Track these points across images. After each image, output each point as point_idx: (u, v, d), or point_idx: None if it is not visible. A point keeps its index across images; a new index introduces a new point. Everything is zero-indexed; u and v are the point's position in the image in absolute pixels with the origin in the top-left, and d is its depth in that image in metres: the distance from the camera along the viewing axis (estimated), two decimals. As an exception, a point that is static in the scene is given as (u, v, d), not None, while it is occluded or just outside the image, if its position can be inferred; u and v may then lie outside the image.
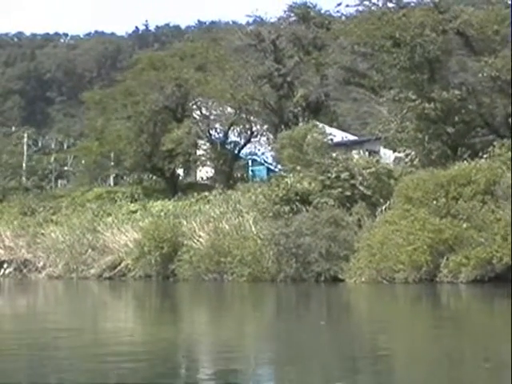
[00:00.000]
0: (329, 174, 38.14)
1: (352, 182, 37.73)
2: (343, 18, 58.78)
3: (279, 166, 60.94)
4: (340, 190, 37.52)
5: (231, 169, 59.19)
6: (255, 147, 60.62)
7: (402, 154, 46.63)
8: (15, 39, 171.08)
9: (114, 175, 73.49)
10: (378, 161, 39.37)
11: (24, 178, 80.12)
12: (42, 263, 46.13)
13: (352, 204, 37.24)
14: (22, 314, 27.00)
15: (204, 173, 64.24)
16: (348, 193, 37.34)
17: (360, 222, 36.19)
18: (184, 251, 38.82)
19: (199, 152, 61.27)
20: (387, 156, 51.72)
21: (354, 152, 51.11)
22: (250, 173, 63.04)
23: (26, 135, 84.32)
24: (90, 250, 43.26)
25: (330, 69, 53.85)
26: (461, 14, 49.65)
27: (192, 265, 37.76)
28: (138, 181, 66.35)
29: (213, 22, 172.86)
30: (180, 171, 64.89)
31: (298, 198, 38.23)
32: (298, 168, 43.30)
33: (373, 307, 27.36)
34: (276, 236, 34.82)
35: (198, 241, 39.48)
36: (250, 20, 57.21)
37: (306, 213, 36.08)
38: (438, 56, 48.56)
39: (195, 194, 49.95)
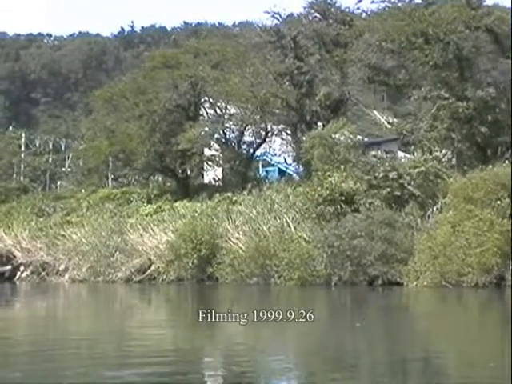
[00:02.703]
0: (375, 174, 36.55)
1: (400, 181, 36.17)
2: (364, 14, 57.44)
3: (291, 168, 59.59)
4: (388, 189, 35.96)
5: (246, 169, 57.36)
6: (270, 147, 58.84)
7: (438, 154, 45.16)
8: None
9: (112, 176, 71.65)
10: (425, 160, 37.66)
11: (22, 179, 77.96)
12: (63, 266, 44.08)
13: (401, 204, 35.68)
14: (65, 319, 26.10)
15: (212, 174, 62.48)
16: (397, 193, 35.80)
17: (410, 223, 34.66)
18: (224, 253, 37.02)
19: (210, 152, 59.46)
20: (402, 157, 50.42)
21: (371, 153, 49.60)
22: (264, 173, 61.45)
23: (23, 135, 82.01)
24: (117, 253, 41.26)
25: (353, 67, 52.27)
26: (493, 11, 48.53)
27: (234, 268, 35.95)
28: (144, 182, 64.58)
29: (199, 24, 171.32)
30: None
31: (342, 198, 36.63)
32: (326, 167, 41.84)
33: (448, 314, 25.64)
34: (329, 238, 33.12)
35: (235, 243, 37.78)
36: (268, 17, 54.90)
37: (357, 214, 34.45)
38: (469, 54, 47.34)
39: (216, 195, 48.18)
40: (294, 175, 56.78)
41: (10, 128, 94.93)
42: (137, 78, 61.30)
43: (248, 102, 52.27)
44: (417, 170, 36.44)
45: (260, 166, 63.13)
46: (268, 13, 55.33)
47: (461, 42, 46.59)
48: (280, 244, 35.46)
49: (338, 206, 36.28)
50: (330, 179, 37.55)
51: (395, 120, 63.73)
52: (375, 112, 72.37)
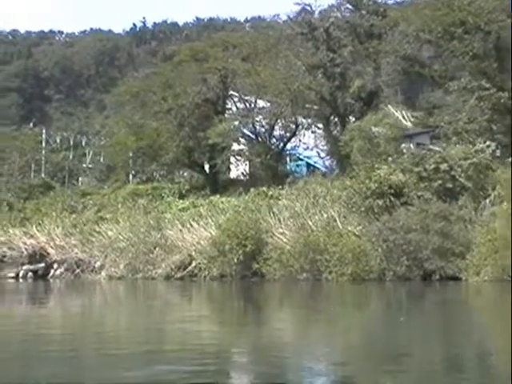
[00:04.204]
0: (426, 166, 35.57)
1: (452, 173, 35.19)
2: (395, 5, 56.52)
3: (320, 162, 58.58)
4: (440, 182, 34.97)
5: (277, 164, 56.36)
6: (300, 141, 57.81)
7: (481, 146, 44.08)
8: (9, 37, 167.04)
9: (133, 172, 70.66)
10: (476, 151, 36.65)
11: (43, 176, 77.04)
12: (99, 263, 43.13)
13: (452, 197, 34.71)
14: (106, 316, 25.59)
15: (238, 169, 61.55)
16: (449, 185, 34.81)
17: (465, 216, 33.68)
18: (270, 249, 36.03)
19: (238, 147, 58.54)
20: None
21: (402, 146, 48.56)
22: (295, 168, 60.50)
23: (44, 132, 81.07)
24: (156, 249, 40.32)
25: (387, 58, 51.28)
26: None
27: (282, 263, 34.96)
28: (170, 177, 63.70)
29: (211, 19, 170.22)
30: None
31: (391, 191, 35.65)
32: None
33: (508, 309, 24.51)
34: (383, 232, 32.13)
35: (279, 238, 36.83)
36: (298, 8, 53.95)
37: (410, 207, 33.46)
38: (509, 43, 46.37)
39: (251, 189, 47.12)
40: (323, 169, 55.82)
41: (31, 125, 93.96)
42: (164, 71, 60.31)
43: (281, 94, 51.25)
44: (468, 161, 35.43)
45: (288, 160, 62.06)
46: (299, 4, 54.42)
47: (502, 31, 45.61)
48: (329, 239, 34.43)
49: (387, 199, 35.25)
50: (378, 172, 36.52)
51: (415, 113, 62.69)
52: (389, 106, 71.12)
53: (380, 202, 35.23)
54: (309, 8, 54.55)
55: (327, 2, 61.47)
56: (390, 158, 38.16)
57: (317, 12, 54.79)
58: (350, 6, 54.85)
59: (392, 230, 32.10)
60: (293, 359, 14.74)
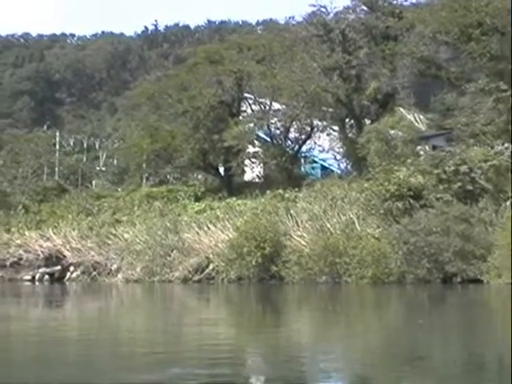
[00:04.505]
0: (445, 168, 35.35)
1: (472, 175, 34.95)
2: (411, 6, 56.21)
3: (335, 164, 58.32)
4: (459, 184, 34.74)
5: (292, 166, 56.15)
6: (315, 143, 57.58)
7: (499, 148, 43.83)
8: (21, 40, 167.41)
9: (146, 175, 70.57)
10: (496, 153, 36.41)
11: (57, 178, 77.04)
12: (115, 266, 42.99)
13: (473, 199, 34.46)
14: (124, 319, 25.58)
15: (251, 171, 61.39)
16: (469, 187, 34.56)
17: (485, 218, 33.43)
18: (289, 252, 35.84)
19: (253, 149, 58.40)
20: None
21: (418, 148, 48.31)
22: (310, 170, 60.36)
23: (57, 134, 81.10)
24: (174, 252, 40.17)
25: (403, 60, 51.05)
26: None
27: (301, 266, 34.77)
28: (184, 180, 63.63)
29: (222, 22, 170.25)
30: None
31: (410, 193, 35.42)
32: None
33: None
34: (404, 234, 31.92)
35: (297, 241, 36.64)
36: (311, 10, 53.77)
37: (430, 209, 33.24)
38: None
39: (267, 192, 46.89)
40: (338, 172, 55.59)
41: (45, 127, 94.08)
42: (179, 74, 60.25)
43: (297, 96, 51.08)
44: (488, 163, 35.18)
45: (303, 162, 61.85)
46: (314, 6, 54.21)
47: (520, 32, 45.43)
48: (348, 241, 34.24)
49: (407, 202, 35.03)
50: (397, 174, 36.32)
51: (428, 116, 62.44)
52: (401, 109, 70.90)
53: (399, 205, 35.03)
54: (324, 10, 54.29)
55: (342, 3, 61.01)
56: (408, 160, 37.92)
57: (332, 14, 54.55)
58: (365, 8, 54.60)
59: (413, 233, 31.89)
60: (310, 362, 14.64)
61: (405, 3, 55.26)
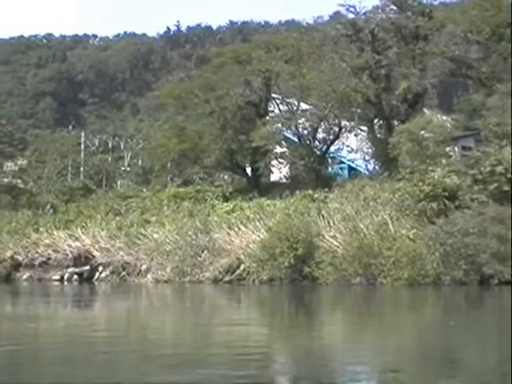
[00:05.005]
0: (481, 168, 34.91)
1: (508, 176, 34.48)
2: (441, 6, 55.81)
3: (362, 164, 57.95)
4: (496, 185, 34.28)
5: (321, 167, 55.83)
6: (343, 144, 57.27)
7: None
8: (44, 41, 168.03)
9: (170, 176, 70.50)
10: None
11: (82, 178, 77.18)
12: (145, 266, 42.76)
13: (509, 200, 33.96)
14: (154, 319, 25.25)
15: (278, 172, 61.17)
16: (506, 188, 34.10)
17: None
18: (323, 252, 35.51)
19: (281, 149, 58.20)
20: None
21: (447, 149, 47.85)
22: (338, 171, 60.08)
23: (83, 134, 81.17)
24: (204, 252, 39.91)
25: (434, 60, 50.59)
26: None
27: (336, 267, 34.42)
28: (210, 180, 63.54)
29: (244, 22, 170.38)
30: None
31: (445, 194, 35.00)
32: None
33: None
34: (440, 235, 31.51)
35: (330, 241, 36.29)
36: (343, 10, 53.51)
37: (467, 210, 32.82)
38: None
39: (296, 192, 46.60)
40: (366, 172, 55.26)
41: (70, 127, 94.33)
42: (205, 74, 60.09)
43: (327, 96, 50.77)
44: (524, 164, 34.72)
45: (331, 163, 61.55)
46: (343, 5, 53.93)
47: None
48: (383, 242, 33.87)
49: (441, 203, 34.63)
50: (431, 174, 35.92)
51: (453, 117, 62.04)
52: (425, 109, 70.56)
53: (434, 205, 34.61)
54: (353, 9, 53.97)
55: (371, 3, 60.62)
56: (443, 161, 37.52)
57: (361, 13, 54.21)
58: (394, 7, 54.16)
59: (449, 234, 31.46)
60: (341, 363, 14.54)
61: (434, 2, 54.89)
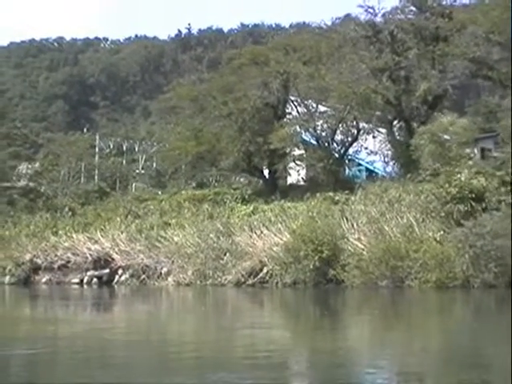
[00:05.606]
0: (508, 170, 34.50)
1: (537, 177, 34.09)
2: (461, 7, 55.37)
3: (380, 167, 57.55)
4: (524, 186, 33.89)
5: (339, 169, 55.45)
6: (361, 146, 56.84)
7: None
8: (56, 44, 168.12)
9: (185, 178, 70.25)
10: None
11: (96, 181, 77.00)
12: (165, 269, 42.39)
13: (536, 202, 33.55)
14: (176, 322, 25.14)
15: (295, 174, 60.78)
16: (535, 189, 33.71)
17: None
18: (348, 255, 35.09)
19: (298, 152, 57.80)
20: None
21: (467, 151, 47.39)
22: (356, 173, 59.74)
23: (97, 137, 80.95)
24: (227, 255, 39.52)
25: (455, 61, 50.17)
26: None
27: (362, 270, 34.00)
28: (227, 182, 63.25)
29: (256, 25, 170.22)
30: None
31: (472, 195, 34.56)
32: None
33: None
34: (470, 237, 31.08)
35: (355, 244, 35.87)
36: (362, 10, 53.07)
37: (496, 212, 32.39)
38: None
39: (317, 194, 46.17)
40: (384, 174, 54.89)
41: (85, 130, 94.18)
42: (223, 75, 59.77)
43: (346, 98, 50.37)
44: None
45: (348, 165, 61.16)
46: (362, 7, 53.56)
47: None
48: (410, 245, 33.46)
49: (468, 204, 34.18)
50: (458, 176, 35.50)
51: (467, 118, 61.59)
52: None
53: (460, 207, 34.16)
54: (372, 10, 53.58)
55: (390, 4, 60.19)
56: (470, 162, 37.09)
57: (380, 14, 53.86)
58: (414, 9, 53.79)
59: (479, 236, 31.01)
60: (363, 367, 14.38)
61: (454, 3, 54.37)
